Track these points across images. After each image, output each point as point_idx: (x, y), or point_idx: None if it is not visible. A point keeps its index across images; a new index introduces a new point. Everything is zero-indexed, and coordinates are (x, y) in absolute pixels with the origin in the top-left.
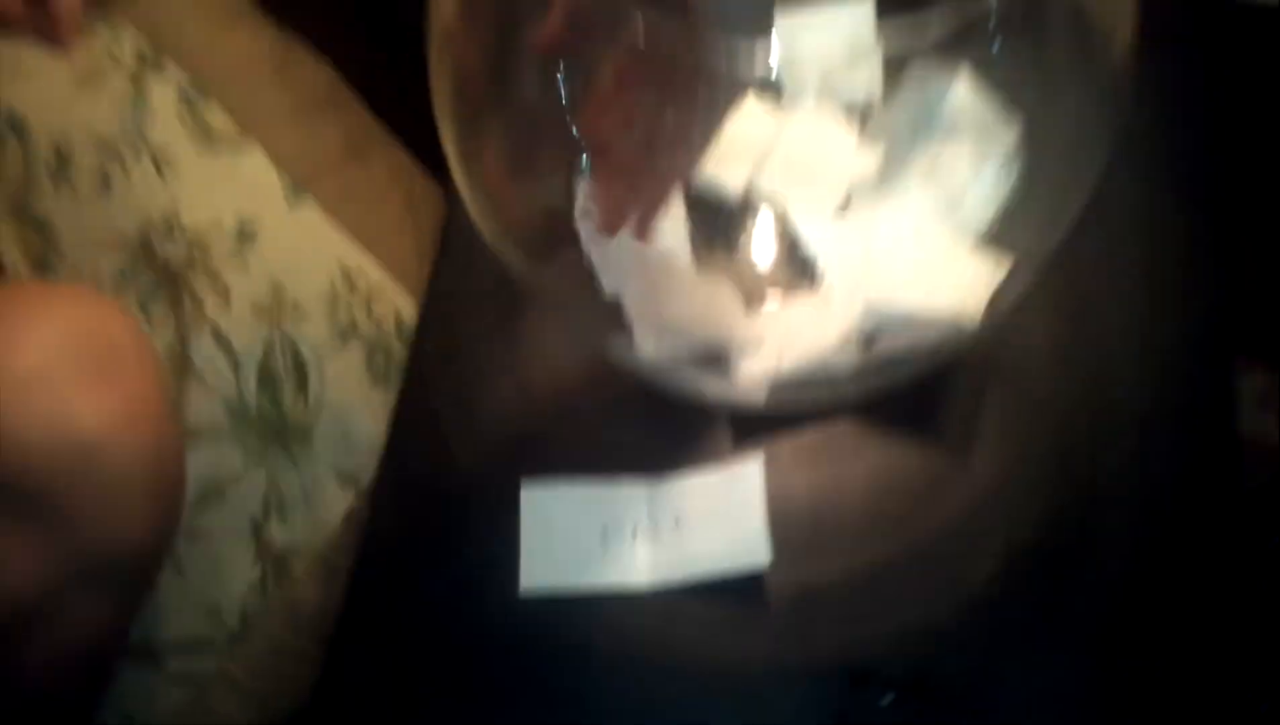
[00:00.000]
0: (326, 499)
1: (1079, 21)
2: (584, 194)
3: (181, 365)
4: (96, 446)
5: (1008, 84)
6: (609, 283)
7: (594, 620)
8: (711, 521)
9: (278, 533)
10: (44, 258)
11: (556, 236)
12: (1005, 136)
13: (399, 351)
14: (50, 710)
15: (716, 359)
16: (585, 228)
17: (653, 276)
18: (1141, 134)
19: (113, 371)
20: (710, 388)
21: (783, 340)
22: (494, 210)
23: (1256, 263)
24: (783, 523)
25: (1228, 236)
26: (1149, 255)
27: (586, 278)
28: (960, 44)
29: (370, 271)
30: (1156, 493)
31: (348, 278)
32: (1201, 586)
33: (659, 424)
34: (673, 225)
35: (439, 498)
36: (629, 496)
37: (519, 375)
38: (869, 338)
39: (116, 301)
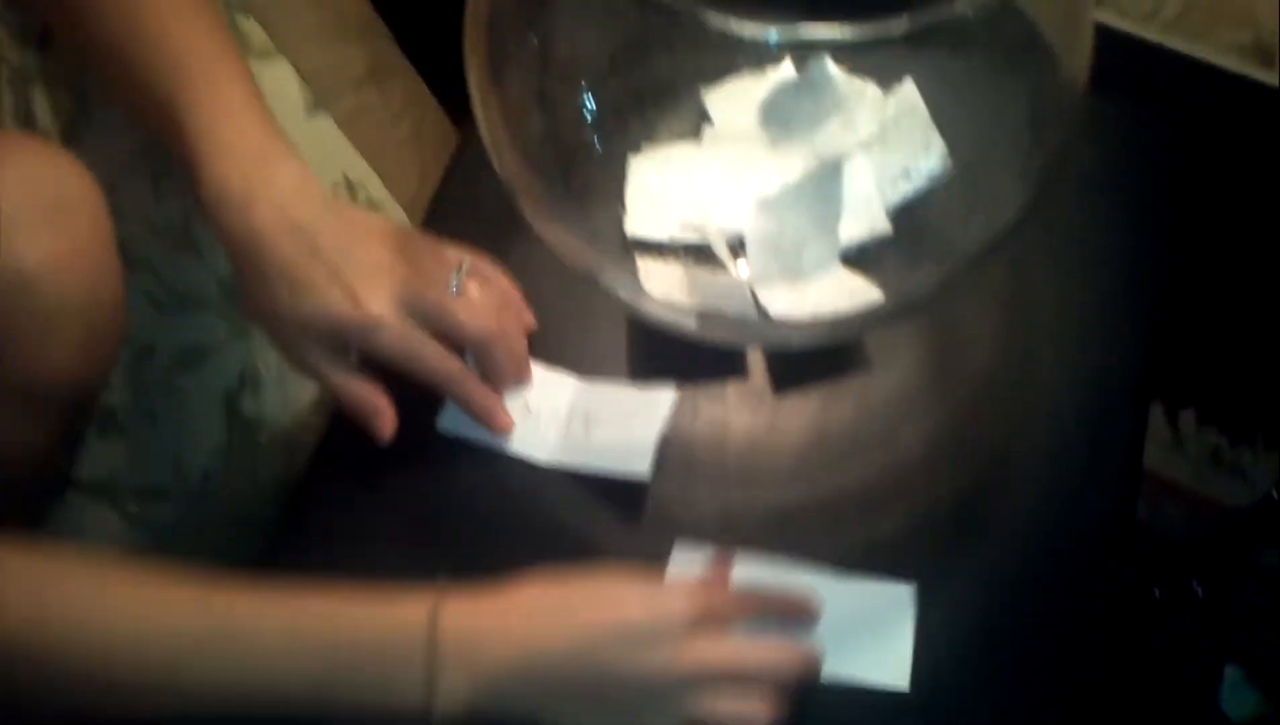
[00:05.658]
0: (301, 381)
1: (1034, 41)
2: None
3: (182, 239)
4: (34, 282)
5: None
6: None
7: (500, 473)
8: (615, 428)
9: (249, 404)
10: (74, 124)
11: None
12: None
13: None
14: None
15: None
16: None
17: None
18: (1103, 165)
19: (57, 217)
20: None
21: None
22: (509, 135)
23: (1185, 308)
24: (682, 450)
25: (1168, 270)
26: (1089, 270)
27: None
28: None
29: (371, 185)
30: (1060, 478)
31: (350, 187)
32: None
33: (599, 333)
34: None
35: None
36: (557, 384)
37: None
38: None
39: (69, 154)
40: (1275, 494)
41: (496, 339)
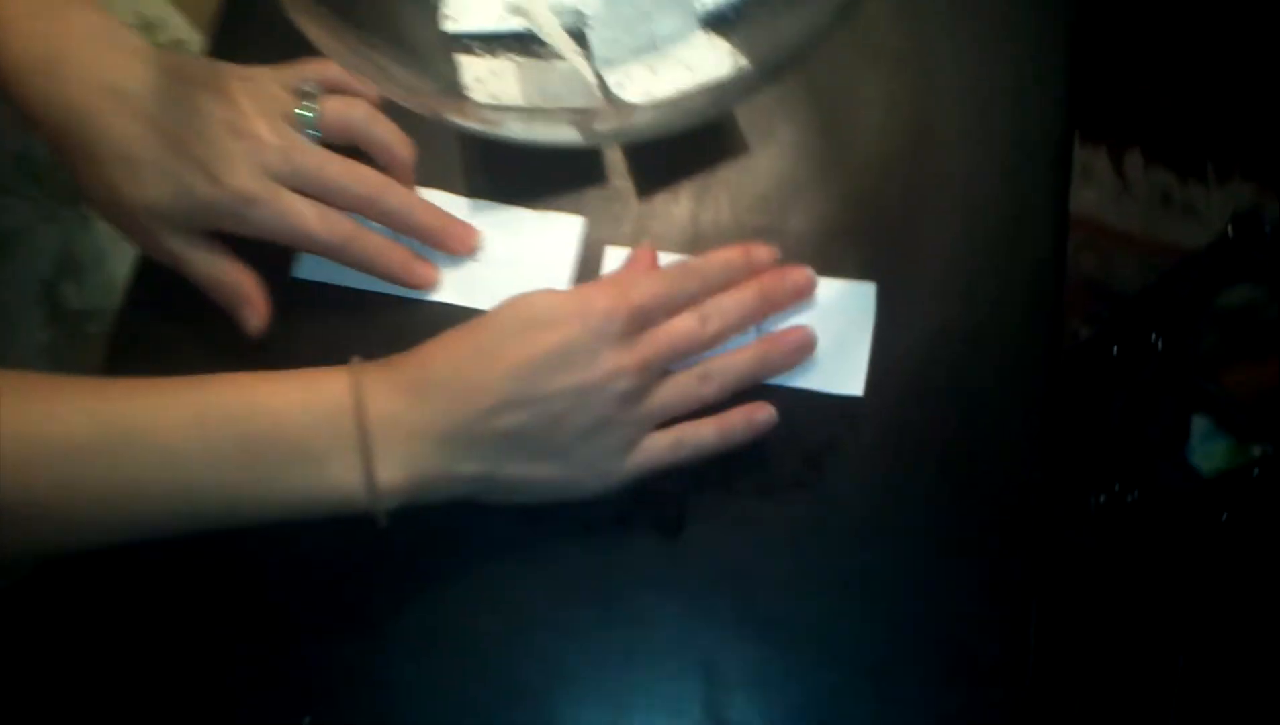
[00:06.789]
0: (122, 259)
1: None
2: None
3: None
4: None
5: None
6: None
7: (371, 318)
8: (518, 261)
9: (72, 294)
10: None
11: None
12: None
13: None
14: None
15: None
16: None
17: None
18: None
19: None
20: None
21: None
22: None
23: (1120, 38)
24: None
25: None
26: (989, 4)
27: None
28: None
29: (172, 22)
30: (981, 240)
31: (148, 28)
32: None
33: (429, 153)
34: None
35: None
36: (445, 208)
37: None
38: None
39: None
40: (1230, 231)
41: (383, 191)
